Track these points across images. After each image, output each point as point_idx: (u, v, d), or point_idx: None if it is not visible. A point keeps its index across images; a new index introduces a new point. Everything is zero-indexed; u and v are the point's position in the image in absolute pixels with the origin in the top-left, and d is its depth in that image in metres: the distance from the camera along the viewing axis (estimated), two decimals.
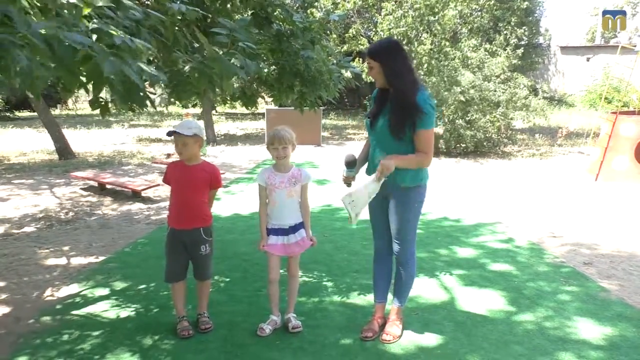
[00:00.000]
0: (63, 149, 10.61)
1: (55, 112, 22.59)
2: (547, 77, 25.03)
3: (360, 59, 17.40)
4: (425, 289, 3.71)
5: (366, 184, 2.70)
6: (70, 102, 25.92)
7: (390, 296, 3.15)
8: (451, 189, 7.45)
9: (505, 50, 12.18)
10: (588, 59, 24.27)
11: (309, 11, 4.07)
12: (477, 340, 2.96)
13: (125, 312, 3.34)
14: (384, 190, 2.71)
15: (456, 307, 3.44)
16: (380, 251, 3.05)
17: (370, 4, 18.04)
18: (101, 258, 4.45)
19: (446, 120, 10.47)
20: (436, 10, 13.52)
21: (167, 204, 3.19)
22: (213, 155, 11.36)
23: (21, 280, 3.95)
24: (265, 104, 17.36)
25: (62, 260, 4.41)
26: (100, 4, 1.81)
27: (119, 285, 3.82)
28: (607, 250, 4.70)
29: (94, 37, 1.67)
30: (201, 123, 13.19)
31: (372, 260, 3.15)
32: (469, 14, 14.44)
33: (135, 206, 6.48)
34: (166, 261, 3.03)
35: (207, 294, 3.17)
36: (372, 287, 3.15)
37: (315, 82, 3.79)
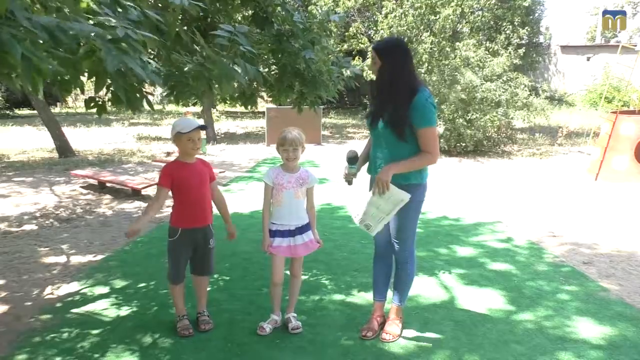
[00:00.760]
0: (63, 147, 10.62)
1: (55, 110, 22.58)
2: (547, 76, 25.02)
3: (361, 58, 17.41)
4: (425, 288, 3.72)
5: (369, 200, 2.74)
6: (70, 100, 25.90)
7: (389, 295, 3.15)
8: (451, 188, 7.45)
9: (506, 49, 12.18)
10: (588, 59, 24.26)
11: (309, 8, 4.05)
12: (476, 340, 2.96)
13: (125, 311, 3.34)
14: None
15: (456, 306, 3.44)
16: (380, 250, 3.05)
17: (371, 2, 18.01)
18: (101, 256, 4.46)
19: (446, 119, 10.46)
20: (437, 9, 13.51)
21: (167, 202, 3.17)
22: (213, 154, 11.36)
23: (21, 278, 3.95)
24: (265, 102, 17.36)
25: (62, 259, 4.41)
26: None
27: (119, 283, 3.82)
28: (607, 250, 4.70)
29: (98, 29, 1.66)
30: (201, 122, 13.19)
31: (371, 259, 3.15)
32: (470, 13, 14.42)
33: (135, 204, 6.48)
34: (172, 263, 2.99)
35: (206, 291, 3.17)
36: (372, 286, 3.15)
37: (315, 82, 3.78)
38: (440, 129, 10.72)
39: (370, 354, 2.81)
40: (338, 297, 3.59)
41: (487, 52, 12.09)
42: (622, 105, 10.10)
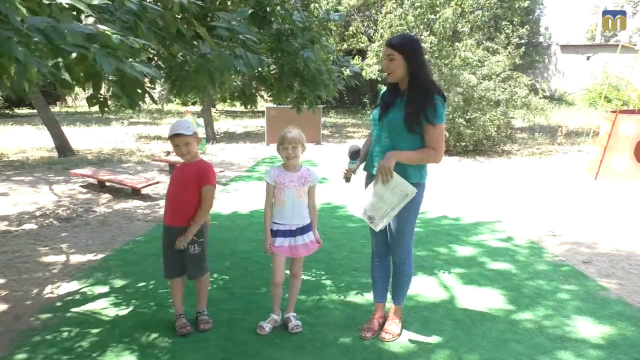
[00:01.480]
0: (62, 146, 10.61)
1: (55, 109, 22.56)
2: (546, 75, 25.02)
3: (360, 57, 17.40)
4: (424, 288, 3.72)
5: (372, 191, 2.71)
6: (69, 99, 25.90)
7: (389, 295, 3.15)
8: (450, 188, 7.45)
9: (506, 49, 12.17)
10: (588, 58, 24.25)
11: (312, 6, 4.02)
12: (476, 339, 2.96)
13: (125, 310, 3.34)
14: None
15: (455, 305, 3.44)
16: (379, 251, 3.04)
17: (371, 1, 18.00)
18: (100, 256, 4.45)
19: (446, 118, 10.46)
20: (437, 9, 13.50)
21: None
22: (213, 153, 11.36)
23: (21, 277, 3.95)
24: (264, 101, 17.35)
25: (62, 258, 4.41)
26: (96, 2, 1.79)
27: (118, 282, 3.82)
28: (607, 249, 4.70)
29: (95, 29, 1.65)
30: (201, 121, 13.18)
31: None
32: (469, 12, 14.42)
33: (135, 204, 6.48)
34: (162, 258, 3.07)
35: (205, 292, 3.16)
36: (371, 286, 3.14)
37: (315, 82, 3.77)
38: None
39: (370, 353, 2.81)
40: (338, 296, 3.59)
41: (487, 51, 12.06)
42: (622, 105, 10.10)
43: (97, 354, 2.78)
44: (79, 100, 25.62)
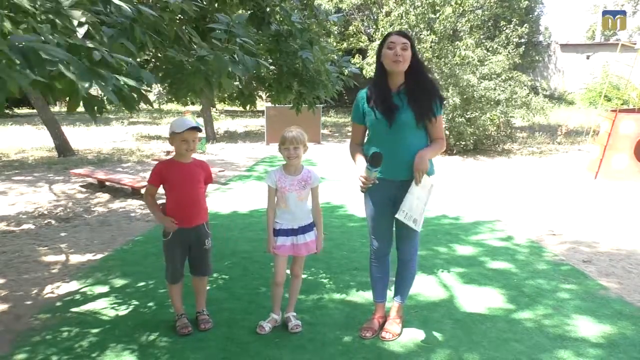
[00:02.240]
0: (62, 146, 10.60)
1: (55, 109, 22.54)
2: (546, 75, 25.01)
3: (360, 56, 17.40)
4: (424, 287, 3.72)
5: (411, 191, 2.69)
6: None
7: (390, 294, 3.15)
8: (450, 187, 7.45)
9: (506, 48, 12.16)
10: (588, 57, 24.24)
11: (316, 3, 4.00)
12: (476, 338, 2.96)
13: (125, 310, 3.34)
14: (396, 190, 2.74)
15: (455, 304, 3.44)
16: (380, 252, 3.02)
17: (372, 1, 18.00)
18: (100, 255, 4.45)
19: (446, 118, 10.45)
20: (437, 8, 13.49)
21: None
22: (212, 152, 11.36)
23: (20, 277, 3.95)
24: (263, 101, 17.35)
25: (61, 258, 4.41)
26: (83, 20, 1.76)
27: (118, 282, 3.82)
28: (607, 248, 4.70)
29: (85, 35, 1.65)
30: (201, 120, 13.18)
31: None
32: (470, 12, 14.41)
33: (135, 203, 6.48)
34: (168, 262, 3.01)
35: (205, 291, 3.17)
36: (371, 286, 3.13)
37: (314, 83, 3.77)
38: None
39: (370, 352, 2.81)
40: (337, 295, 3.59)
41: (487, 51, 12.06)
42: (622, 104, 10.10)
43: (97, 354, 2.78)
44: None
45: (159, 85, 3.22)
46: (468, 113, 10.44)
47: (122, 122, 18.37)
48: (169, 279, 3.02)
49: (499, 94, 10.49)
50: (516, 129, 12.73)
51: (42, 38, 1.56)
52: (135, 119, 19.60)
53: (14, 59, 1.43)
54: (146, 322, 3.16)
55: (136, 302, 3.46)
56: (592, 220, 5.68)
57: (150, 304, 3.44)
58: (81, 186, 7.55)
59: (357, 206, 5.92)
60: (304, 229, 2.98)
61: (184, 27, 2.79)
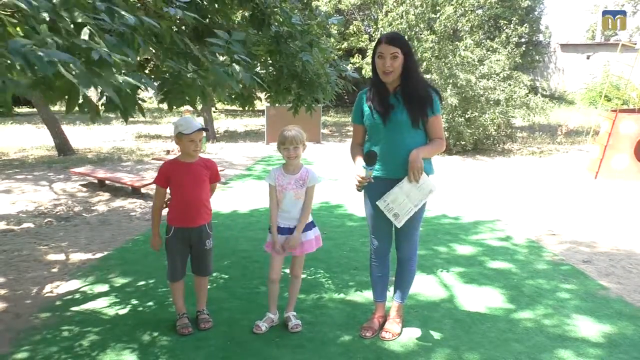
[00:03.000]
0: (62, 145, 10.61)
1: (55, 108, 22.52)
2: (546, 74, 25.00)
3: (360, 56, 17.41)
4: (424, 287, 3.72)
5: (402, 188, 2.70)
6: None
7: (390, 293, 3.15)
8: (450, 186, 7.45)
9: (506, 48, 12.15)
10: (588, 57, 24.23)
11: (314, 4, 4.02)
12: (476, 338, 2.96)
13: (125, 309, 3.35)
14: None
15: (455, 304, 3.44)
16: (379, 252, 3.02)
17: (372, 0, 17.99)
18: (100, 254, 4.45)
19: (446, 118, 10.45)
20: (437, 8, 13.50)
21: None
22: (212, 152, 11.36)
23: (21, 276, 3.95)
24: (261, 101, 17.34)
25: (62, 257, 4.41)
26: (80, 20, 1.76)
27: (119, 281, 3.82)
28: (606, 248, 4.70)
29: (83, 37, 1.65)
30: (201, 119, 13.18)
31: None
32: (470, 12, 14.40)
33: (135, 203, 6.48)
34: (169, 261, 3.02)
35: (206, 290, 3.17)
36: (371, 286, 3.13)
37: (313, 85, 3.78)
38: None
39: (370, 352, 2.81)
40: (337, 295, 3.59)
41: (487, 51, 12.05)
42: (622, 104, 10.09)
43: (97, 353, 2.78)
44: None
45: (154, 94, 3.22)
46: (468, 113, 10.44)
47: (122, 121, 18.36)
48: (169, 276, 3.03)
49: (498, 94, 10.49)
50: (516, 128, 12.72)
51: (42, 39, 1.56)
52: (135, 119, 19.58)
53: (14, 61, 1.43)
54: (146, 321, 3.16)
55: (136, 301, 3.46)
56: (592, 220, 5.68)
57: (151, 303, 3.44)
58: (81, 185, 7.55)
59: (356, 205, 5.92)
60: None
61: (180, 36, 2.78)
